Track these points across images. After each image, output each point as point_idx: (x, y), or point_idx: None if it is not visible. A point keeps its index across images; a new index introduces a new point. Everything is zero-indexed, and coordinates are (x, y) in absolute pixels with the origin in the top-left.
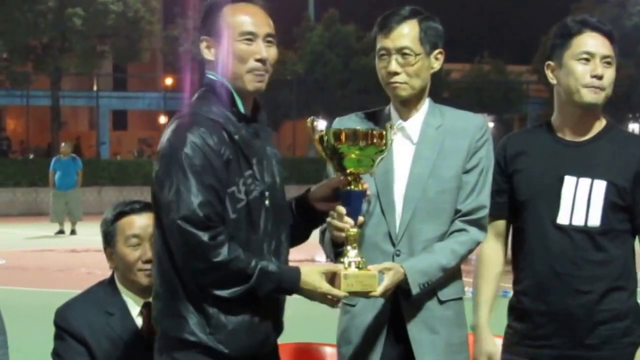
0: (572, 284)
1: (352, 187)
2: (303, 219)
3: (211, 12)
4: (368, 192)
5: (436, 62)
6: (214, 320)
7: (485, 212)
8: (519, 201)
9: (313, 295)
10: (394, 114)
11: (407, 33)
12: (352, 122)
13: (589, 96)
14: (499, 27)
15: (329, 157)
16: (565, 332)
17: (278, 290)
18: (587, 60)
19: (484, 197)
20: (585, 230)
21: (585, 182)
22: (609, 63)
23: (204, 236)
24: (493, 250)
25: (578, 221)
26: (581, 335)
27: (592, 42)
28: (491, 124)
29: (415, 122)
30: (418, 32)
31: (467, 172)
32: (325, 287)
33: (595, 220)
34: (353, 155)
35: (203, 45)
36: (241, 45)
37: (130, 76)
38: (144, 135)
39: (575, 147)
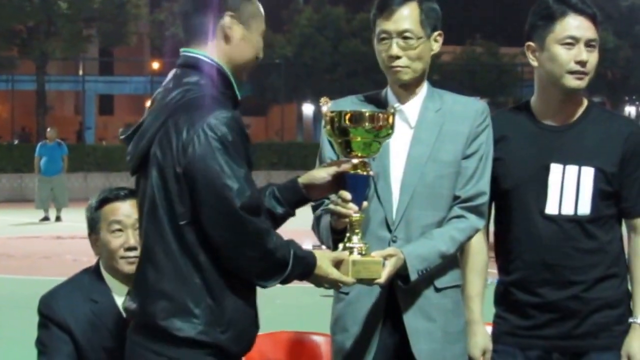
0: (564, 275)
1: (359, 171)
2: (288, 208)
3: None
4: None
5: (436, 44)
6: (226, 318)
7: (484, 199)
8: (503, 189)
9: (323, 281)
10: (391, 97)
11: (408, 15)
12: (349, 105)
13: (573, 82)
14: (491, 8)
15: (337, 141)
16: (557, 323)
17: (300, 276)
18: (571, 44)
19: (484, 184)
20: (575, 219)
21: (572, 169)
22: (593, 46)
23: (263, 223)
24: (479, 240)
25: (567, 210)
26: (574, 325)
27: (576, 26)
28: None
29: (414, 105)
30: (419, 14)
31: (466, 157)
32: (336, 273)
33: (585, 209)
34: (360, 139)
35: (225, 21)
36: (260, 38)
37: (116, 60)
38: (131, 120)
39: (558, 133)
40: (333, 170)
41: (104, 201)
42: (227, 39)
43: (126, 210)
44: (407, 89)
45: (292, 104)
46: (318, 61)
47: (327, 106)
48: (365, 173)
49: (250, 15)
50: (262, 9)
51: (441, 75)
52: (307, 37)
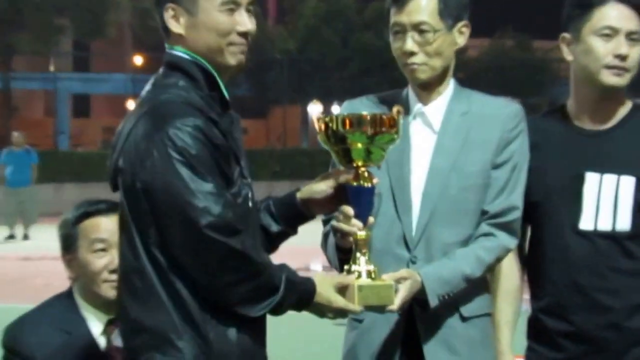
0: (598, 298)
1: (362, 182)
2: (284, 225)
3: None
4: (376, 190)
5: (460, 36)
6: (215, 352)
7: (517, 215)
8: (531, 202)
9: (325, 310)
10: (412, 97)
11: (424, 6)
12: (364, 106)
13: (611, 79)
14: None
15: (334, 149)
16: (593, 356)
17: (297, 305)
18: (609, 36)
19: (516, 197)
20: (612, 236)
21: (610, 179)
22: (634, 40)
23: (235, 243)
24: (511, 261)
25: (604, 225)
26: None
27: (616, 15)
28: None
29: (437, 107)
30: (437, 3)
31: (496, 167)
32: (340, 301)
33: (624, 224)
34: (360, 145)
35: (168, 14)
36: (222, 17)
37: (93, 55)
38: (110, 124)
39: (595, 137)
40: (333, 181)
41: (84, 215)
42: (178, 32)
43: (110, 227)
44: (428, 88)
45: (295, 105)
46: (326, 57)
47: (319, 109)
48: (368, 184)
49: None
50: None
51: (466, 73)
52: (313, 29)
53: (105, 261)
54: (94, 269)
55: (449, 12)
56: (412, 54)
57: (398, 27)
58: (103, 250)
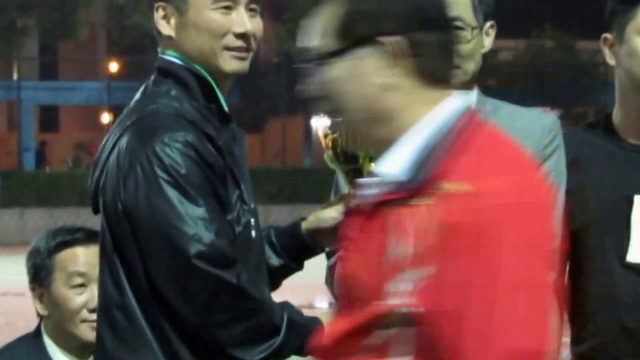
0: None
1: None
2: (287, 259)
3: None
4: None
5: (487, 38)
6: None
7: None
8: (572, 230)
9: None
10: None
11: (457, 0)
12: None
13: None
14: None
15: (344, 169)
16: None
17: (300, 349)
18: None
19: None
20: None
21: None
22: None
23: (229, 276)
24: None
25: None
26: None
27: None
28: None
29: None
30: None
31: None
32: None
33: None
34: (373, 166)
35: (158, 14)
36: (216, 15)
37: (62, 60)
38: (82, 139)
39: None
40: (343, 207)
41: (61, 245)
42: (169, 34)
43: (91, 259)
44: None
45: (296, 117)
46: None
47: (327, 123)
48: None
49: None
50: None
51: (498, 79)
52: None
53: (84, 298)
54: (71, 306)
55: (481, 9)
56: None
57: None
58: (82, 285)
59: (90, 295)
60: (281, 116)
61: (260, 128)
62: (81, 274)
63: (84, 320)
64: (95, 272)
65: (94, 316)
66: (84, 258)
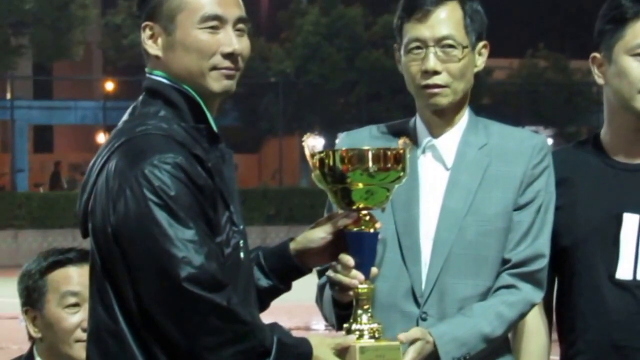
0: None
1: (363, 227)
2: (275, 280)
3: None
4: (380, 235)
5: (480, 58)
6: None
7: (543, 264)
8: (560, 248)
9: None
10: (421, 128)
11: (448, 18)
12: (365, 139)
13: None
14: (558, 11)
15: (332, 189)
16: None
17: None
18: None
19: (542, 244)
20: None
21: None
22: None
23: (220, 299)
24: (536, 316)
25: None
26: None
27: None
28: (549, 141)
29: (451, 139)
30: (462, 16)
31: (519, 208)
32: None
33: None
34: (362, 185)
35: (146, 34)
36: (203, 35)
37: (57, 79)
38: (77, 160)
39: (634, 173)
40: (330, 227)
41: (53, 265)
42: (156, 54)
43: (84, 279)
44: (443, 117)
45: (293, 137)
46: (328, 80)
47: (313, 143)
48: (371, 230)
49: (171, 12)
50: None
51: (492, 98)
52: (313, 47)
53: (78, 318)
54: (65, 326)
55: (473, 28)
56: (435, 72)
57: (417, 42)
58: (76, 305)
59: (84, 315)
60: (278, 137)
61: (257, 149)
62: (74, 294)
63: (78, 340)
64: (87, 292)
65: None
66: (76, 277)
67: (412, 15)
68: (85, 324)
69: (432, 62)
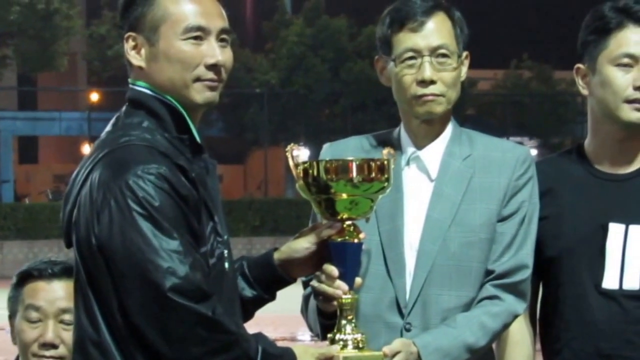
0: None
1: (347, 238)
2: (260, 290)
3: None
4: (364, 246)
5: (463, 68)
6: None
7: (526, 274)
8: (545, 258)
9: None
10: (405, 139)
11: (441, 28)
12: (349, 149)
13: (632, 114)
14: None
15: (316, 199)
16: None
17: None
18: (628, 65)
19: (526, 255)
20: None
21: (637, 230)
22: None
23: (205, 309)
24: (520, 326)
25: (631, 284)
26: None
27: (636, 41)
28: (534, 152)
29: (435, 150)
30: (452, 26)
31: (503, 219)
32: None
33: None
34: (346, 196)
35: (129, 45)
36: (187, 47)
37: (41, 90)
38: (62, 171)
39: (619, 183)
40: (314, 237)
41: (25, 277)
42: (139, 65)
43: (50, 295)
44: (431, 127)
45: (278, 148)
46: (313, 90)
47: (297, 153)
48: (355, 240)
49: (154, 23)
50: (185, 2)
51: (476, 109)
52: (298, 58)
53: (36, 333)
54: (24, 339)
55: (462, 37)
56: (431, 82)
57: (412, 52)
58: (37, 320)
59: (42, 331)
60: (263, 148)
61: (242, 160)
62: (36, 308)
63: (34, 355)
64: (52, 308)
65: (44, 352)
66: (43, 293)
67: (405, 26)
68: (42, 340)
69: (428, 72)
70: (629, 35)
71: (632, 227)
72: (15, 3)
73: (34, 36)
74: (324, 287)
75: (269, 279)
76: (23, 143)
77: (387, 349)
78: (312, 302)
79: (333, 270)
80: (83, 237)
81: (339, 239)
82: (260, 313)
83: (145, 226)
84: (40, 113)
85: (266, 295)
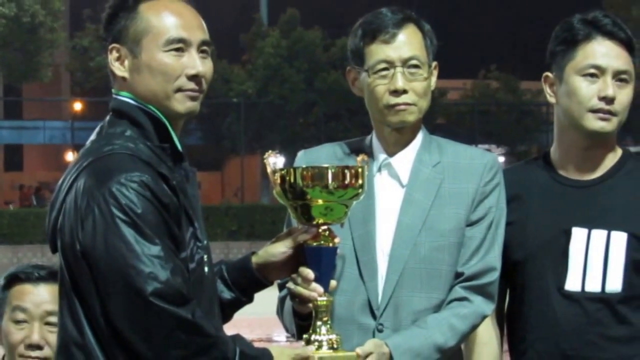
0: None
1: (322, 242)
2: (238, 293)
3: (121, 8)
4: (339, 250)
5: (433, 78)
6: None
7: (494, 277)
8: (512, 261)
9: None
10: (377, 146)
11: (412, 39)
12: (323, 156)
13: (596, 123)
14: (510, 34)
15: (292, 205)
16: None
17: None
18: (594, 76)
19: (493, 258)
20: (602, 298)
21: (599, 234)
22: (624, 81)
23: (185, 313)
24: (488, 327)
25: (593, 287)
26: None
27: (603, 53)
28: (501, 159)
29: (405, 158)
30: (422, 38)
31: (471, 224)
32: None
33: (615, 285)
34: (322, 201)
35: (112, 56)
36: (168, 58)
37: (26, 100)
38: (46, 178)
39: (583, 189)
40: (290, 242)
41: (12, 280)
42: (122, 75)
43: (36, 297)
44: (402, 135)
45: (254, 156)
46: (288, 100)
47: (274, 160)
48: (330, 244)
49: (137, 35)
50: (167, 15)
51: (446, 118)
52: (274, 69)
53: (22, 334)
54: (11, 340)
55: (432, 48)
56: (403, 92)
57: (385, 63)
58: (23, 321)
59: (28, 332)
60: (240, 155)
61: (220, 167)
62: (23, 310)
63: (21, 355)
64: (38, 310)
65: (30, 352)
66: (29, 296)
67: (377, 38)
68: (28, 341)
69: (400, 82)
70: (595, 47)
71: (594, 232)
72: (1, 16)
73: (19, 48)
74: (300, 290)
75: (247, 282)
76: (8, 151)
77: (359, 350)
78: (288, 303)
79: (309, 273)
80: (68, 242)
81: (315, 243)
82: (237, 315)
83: (128, 232)
84: (25, 122)
85: (244, 297)
